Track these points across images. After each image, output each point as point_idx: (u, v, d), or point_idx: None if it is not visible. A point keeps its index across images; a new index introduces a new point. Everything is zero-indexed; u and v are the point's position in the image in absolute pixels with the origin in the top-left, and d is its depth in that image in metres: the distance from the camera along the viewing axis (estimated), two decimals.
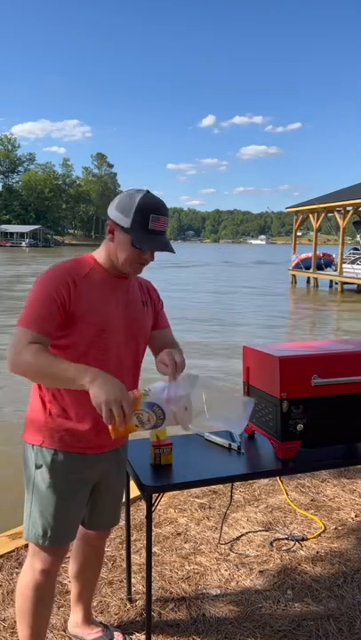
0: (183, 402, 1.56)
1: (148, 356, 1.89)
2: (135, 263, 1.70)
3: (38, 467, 1.74)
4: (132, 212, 1.62)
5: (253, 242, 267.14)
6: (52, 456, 1.72)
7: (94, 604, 2.31)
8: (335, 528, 3.05)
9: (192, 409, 1.57)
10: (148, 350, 1.91)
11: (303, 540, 2.91)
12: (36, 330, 1.59)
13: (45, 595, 1.81)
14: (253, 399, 1.76)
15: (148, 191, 1.66)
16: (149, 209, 1.62)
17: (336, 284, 24.39)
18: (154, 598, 2.38)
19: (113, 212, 1.66)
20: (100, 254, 1.75)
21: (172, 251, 1.68)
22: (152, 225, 1.63)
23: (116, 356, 1.74)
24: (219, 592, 2.46)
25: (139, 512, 3.13)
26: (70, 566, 2.08)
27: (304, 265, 27.51)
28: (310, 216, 27.35)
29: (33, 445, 1.75)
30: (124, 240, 1.66)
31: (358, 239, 30.27)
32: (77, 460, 1.75)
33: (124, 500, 2.18)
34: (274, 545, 2.86)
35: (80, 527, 1.92)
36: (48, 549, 1.76)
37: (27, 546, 2.75)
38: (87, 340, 1.67)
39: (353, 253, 25.28)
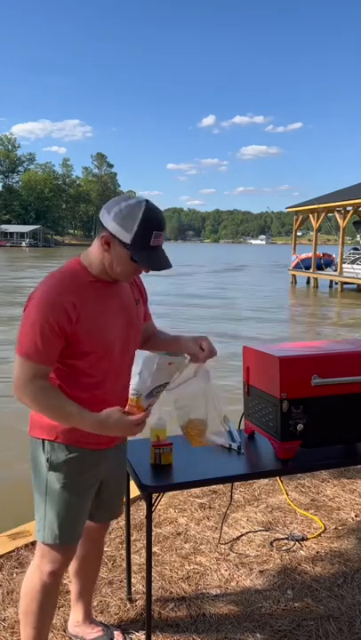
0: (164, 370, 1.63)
1: None
2: (132, 275, 1.70)
3: (51, 467, 1.73)
4: (135, 227, 1.55)
5: (253, 242, 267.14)
6: (65, 452, 1.72)
7: (94, 603, 2.31)
8: (335, 528, 3.05)
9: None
10: None
11: (303, 539, 2.91)
12: (36, 361, 1.58)
13: (51, 596, 1.82)
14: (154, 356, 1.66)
15: (147, 201, 1.59)
16: (152, 226, 1.57)
17: (336, 284, 24.39)
18: (154, 598, 2.38)
19: (110, 223, 1.57)
20: (89, 260, 1.69)
21: (170, 267, 1.65)
22: (154, 242, 1.58)
23: (117, 361, 1.74)
24: (219, 592, 2.46)
25: (139, 512, 3.13)
26: (70, 563, 2.08)
27: (304, 265, 27.50)
28: (310, 216, 27.35)
29: (44, 441, 1.73)
30: (122, 254, 1.60)
31: (358, 239, 30.27)
32: (90, 455, 1.76)
33: (123, 499, 2.18)
34: (274, 545, 2.86)
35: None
36: (60, 549, 1.77)
37: (27, 546, 2.76)
38: (90, 353, 1.67)
39: (353, 253, 25.28)
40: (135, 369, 1.60)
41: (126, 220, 1.56)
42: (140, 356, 1.63)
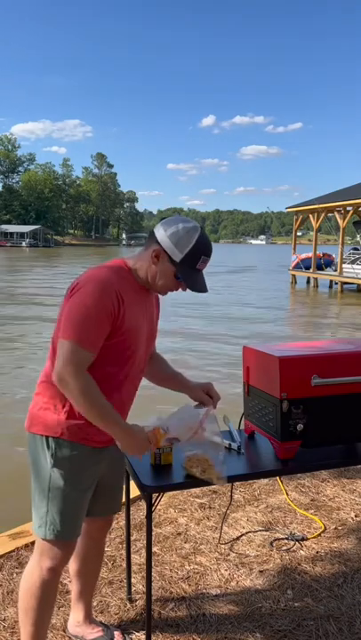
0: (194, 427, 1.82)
1: None
2: (170, 290, 1.78)
3: (56, 463, 1.74)
4: (188, 250, 1.68)
5: (253, 242, 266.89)
6: (71, 449, 1.74)
7: (94, 603, 2.31)
8: (335, 528, 3.05)
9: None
10: None
11: (303, 539, 2.91)
12: (90, 349, 1.62)
13: (51, 592, 1.84)
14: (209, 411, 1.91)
15: (202, 228, 1.74)
16: (202, 251, 1.71)
17: (336, 284, 24.39)
18: (154, 598, 2.38)
19: (165, 239, 1.69)
20: (136, 266, 1.77)
21: (206, 291, 1.76)
22: (200, 265, 1.72)
23: (137, 364, 1.82)
24: (219, 592, 2.46)
25: (139, 512, 3.13)
26: (71, 563, 2.08)
27: (304, 265, 27.50)
28: (310, 216, 27.34)
29: (45, 437, 1.74)
30: (168, 269, 1.72)
31: (358, 239, 30.27)
32: (92, 453, 1.79)
33: (123, 499, 2.18)
34: (274, 545, 2.86)
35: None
36: (60, 545, 1.78)
37: (27, 546, 2.76)
38: (121, 351, 1.73)
39: (353, 253, 25.27)
40: (179, 412, 1.78)
41: (182, 240, 1.68)
42: (189, 407, 1.86)
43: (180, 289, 1.78)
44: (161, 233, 1.70)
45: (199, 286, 1.74)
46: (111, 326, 1.65)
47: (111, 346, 1.69)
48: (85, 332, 1.60)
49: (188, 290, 1.76)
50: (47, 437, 1.74)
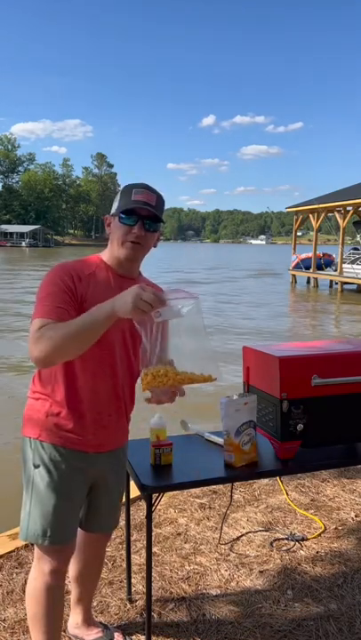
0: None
1: None
2: (127, 242, 1.69)
3: (36, 465, 1.73)
4: (119, 196, 1.73)
5: (253, 242, 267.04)
6: (51, 451, 1.72)
7: (94, 604, 2.31)
8: (335, 528, 3.05)
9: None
10: None
11: (303, 540, 2.91)
12: (49, 316, 1.55)
13: (56, 597, 1.80)
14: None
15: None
16: (132, 186, 1.71)
17: (336, 284, 24.39)
18: (154, 598, 2.38)
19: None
20: (105, 253, 1.79)
21: (148, 207, 1.65)
22: (135, 196, 1.67)
23: (117, 354, 1.74)
24: (219, 592, 2.46)
25: (139, 512, 3.13)
26: (70, 568, 2.06)
27: (304, 265, 27.50)
28: (310, 216, 27.34)
29: (31, 439, 1.74)
30: (114, 223, 1.72)
31: (358, 239, 30.27)
32: (76, 457, 1.74)
33: (124, 499, 2.18)
34: (274, 545, 2.86)
35: (79, 529, 1.92)
36: (52, 550, 1.75)
37: (27, 546, 2.75)
38: None
39: (353, 253, 25.27)
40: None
41: (116, 197, 1.75)
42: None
43: (135, 233, 1.67)
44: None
45: (133, 204, 1.65)
46: (73, 296, 1.61)
47: None
48: (42, 306, 1.58)
49: (137, 229, 1.66)
50: (31, 439, 1.75)
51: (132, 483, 2.15)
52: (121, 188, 1.76)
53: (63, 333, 1.48)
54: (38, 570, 1.78)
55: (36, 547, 1.79)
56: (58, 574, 1.78)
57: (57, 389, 1.71)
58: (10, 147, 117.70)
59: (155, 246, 1.80)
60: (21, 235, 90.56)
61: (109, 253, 1.76)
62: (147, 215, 1.67)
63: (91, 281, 1.68)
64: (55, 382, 1.71)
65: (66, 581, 2.38)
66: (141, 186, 1.71)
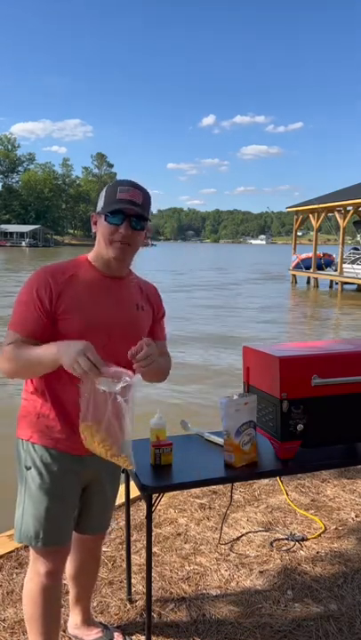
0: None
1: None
2: (114, 242, 1.68)
3: (28, 467, 1.74)
4: (104, 193, 1.71)
5: (253, 242, 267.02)
6: (42, 453, 1.72)
7: (94, 604, 2.30)
8: (335, 528, 3.05)
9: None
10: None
11: (303, 540, 2.91)
12: (19, 331, 1.64)
13: (54, 596, 1.80)
14: None
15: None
16: (117, 184, 1.70)
17: (336, 284, 24.38)
18: (154, 599, 2.38)
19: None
20: (91, 253, 1.78)
21: (140, 211, 1.65)
22: (120, 194, 1.65)
23: (103, 356, 1.64)
24: (219, 592, 2.46)
25: (139, 512, 3.13)
26: (67, 568, 2.05)
27: (304, 265, 27.50)
28: (310, 216, 27.34)
29: (23, 441, 1.75)
30: (100, 222, 1.70)
31: (358, 239, 30.27)
32: (67, 459, 1.74)
33: (124, 500, 2.18)
34: (274, 545, 2.86)
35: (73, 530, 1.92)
36: (46, 552, 1.75)
37: (26, 546, 2.75)
38: (68, 333, 1.63)
39: (353, 253, 25.27)
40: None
41: (101, 195, 1.73)
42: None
43: (122, 233, 1.66)
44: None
45: (118, 204, 1.63)
46: (42, 308, 1.62)
47: (59, 331, 1.64)
48: (15, 316, 1.66)
49: (123, 228, 1.65)
50: (23, 441, 1.75)
51: (132, 483, 2.15)
52: (106, 186, 1.74)
53: (22, 360, 1.60)
54: (34, 571, 1.78)
55: (30, 548, 1.79)
56: (53, 575, 1.78)
57: (46, 392, 1.72)
58: (10, 146, 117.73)
59: (150, 245, 1.79)
60: (21, 234, 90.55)
61: (96, 253, 1.75)
62: (133, 214, 1.67)
63: (72, 282, 1.68)
64: (45, 385, 1.72)
65: (65, 581, 2.38)
66: (127, 183, 1.69)
